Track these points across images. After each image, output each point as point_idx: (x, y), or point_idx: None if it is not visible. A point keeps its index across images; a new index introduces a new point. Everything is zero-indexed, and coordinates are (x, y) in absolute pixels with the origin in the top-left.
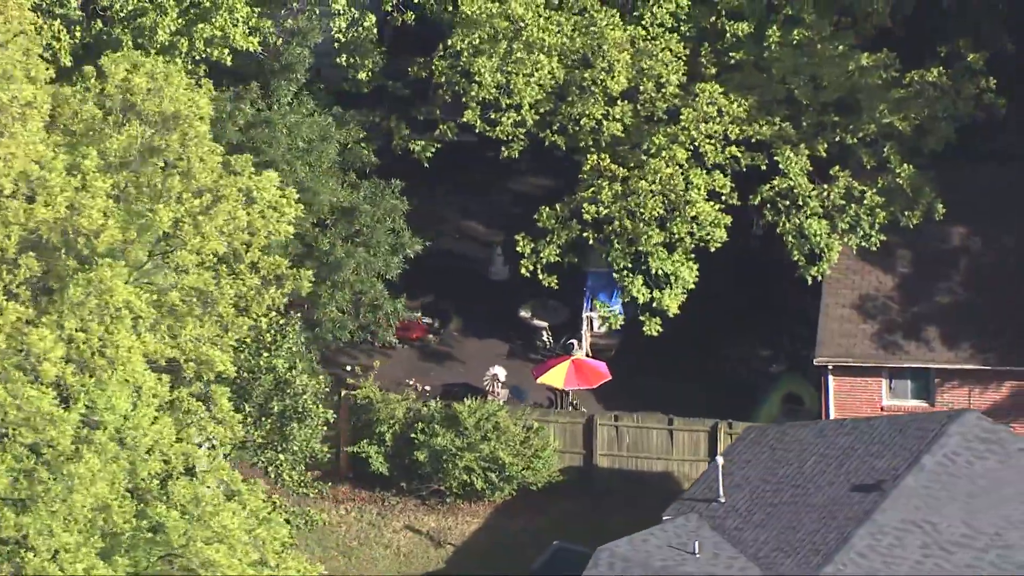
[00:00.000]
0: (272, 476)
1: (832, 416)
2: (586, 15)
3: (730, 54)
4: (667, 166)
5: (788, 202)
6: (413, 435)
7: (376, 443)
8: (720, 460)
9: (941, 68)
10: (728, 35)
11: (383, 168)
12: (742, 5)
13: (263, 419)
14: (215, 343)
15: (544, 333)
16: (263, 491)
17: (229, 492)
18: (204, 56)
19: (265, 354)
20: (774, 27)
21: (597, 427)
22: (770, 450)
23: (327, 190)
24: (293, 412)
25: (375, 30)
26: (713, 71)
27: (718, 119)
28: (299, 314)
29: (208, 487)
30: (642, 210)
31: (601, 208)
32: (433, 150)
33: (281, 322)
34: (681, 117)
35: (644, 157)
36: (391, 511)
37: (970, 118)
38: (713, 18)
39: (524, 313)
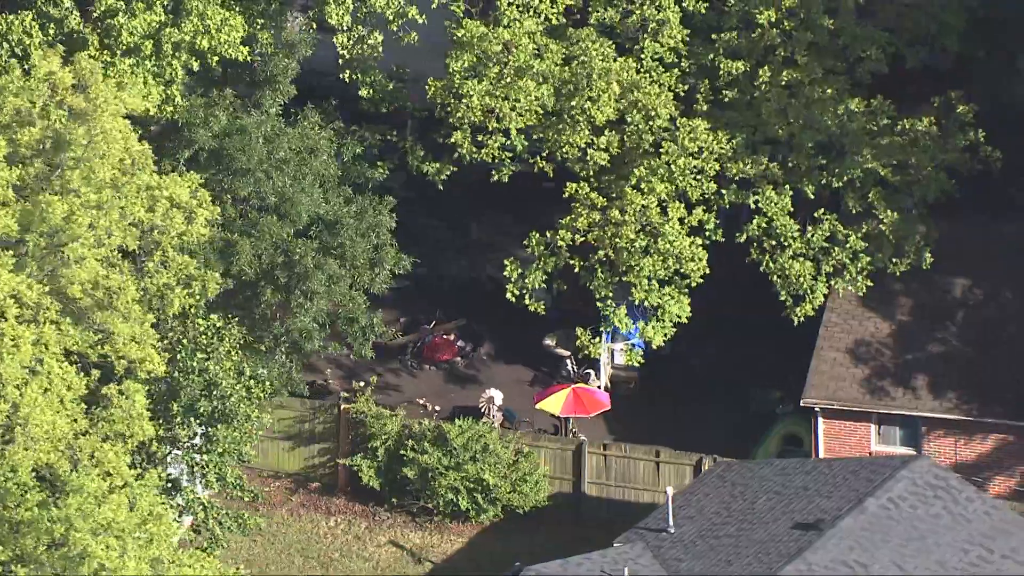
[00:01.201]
0: (199, 477)
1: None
2: (580, 44)
3: (724, 92)
4: (643, 198)
5: (774, 242)
6: (403, 452)
7: (369, 457)
8: (670, 491)
9: (931, 118)
10: (723, 72)
11: (451, 191)
12: (742, 44)
13: (191, 420)
14: (140, 342)
15: (568, 362)
16: (157, 484)
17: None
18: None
19: (200, 355)
20: (766, 67)
21: (586, 455)
22: (731, 485)
23: (307, 201)
24: (220, 415)
25: (380, 48)
26: (705, 107)
27: (699, 155)
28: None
29: (92, 478)
30: (617, 240)
31: (577, 236)
32: (448, 173)
33: (219, 325)
34: (662, 150)
35: (625, 188)
36: (379, 525)
37: (966, 169)
38: (712, 56)
39: (549, 341)
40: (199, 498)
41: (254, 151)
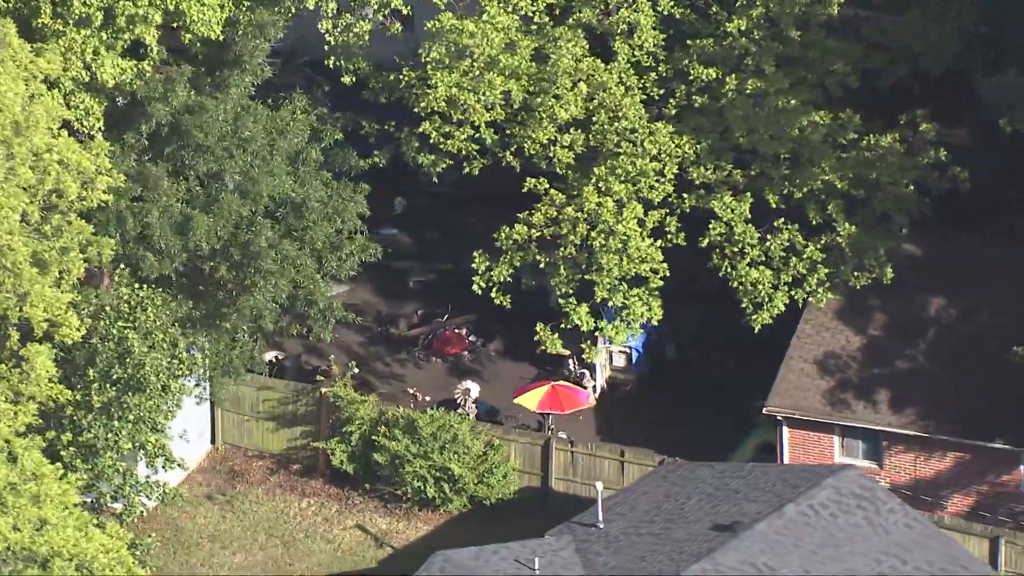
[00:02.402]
0: (109, 441)
1: None
2: (556, 42)
3: (695, 97)
4: (599, 197)
5: (735, 249)
6: (374, 437)
7: (344, 442)
8: (599, 486)
9: (895, 135)
10: (693, 78)
11: (502, 187)
12: (716, 51)
13: (106, 386)
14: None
15: (570, 362)
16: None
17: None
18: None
19: (120, 323)
20: (733, 75)
21: (553, 451)
22: (669, 485)
23: (269, 181)
24: (135, 382)
25: (367, 36)
26: (674, 112)
27: (659, 158)
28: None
29: None
30: (572, 237)
31: (533, 231)
32: (443, 165)
33: (142, 295)
34: (620, 151)
35: (584, 187)
36: (350, 509)
37: (935, 188)
38: (686, 61)
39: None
40: (115, 465)
41: (212, 128)
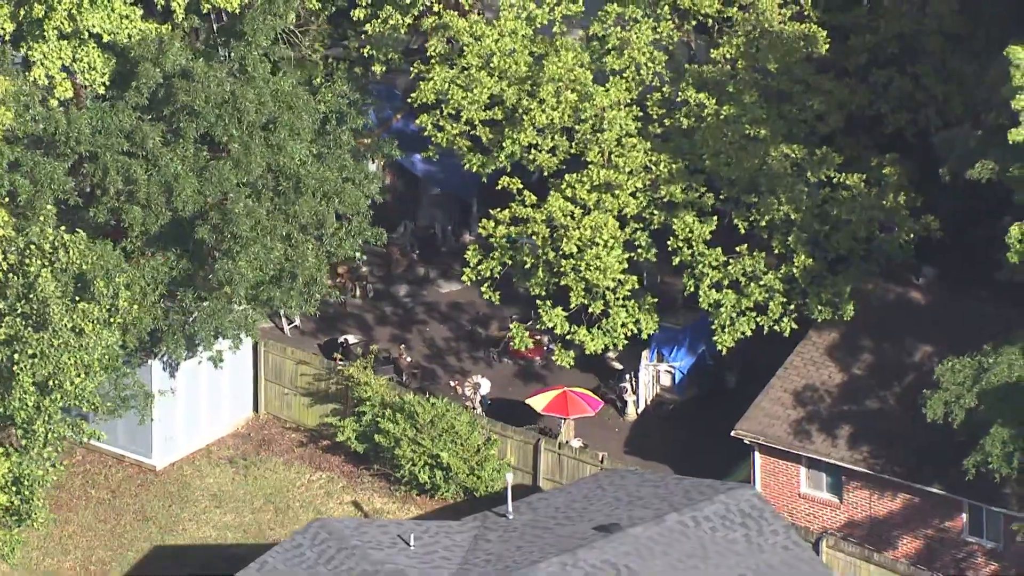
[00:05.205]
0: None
1: None
2: (560, 52)
3: (680, 118)
4: (562, 203)
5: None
6: (379, 419)
7: (356, 420)
8: (509, 477)
9: (862, 176)
10: (680, 99)
11: None
12: (711, 76)
13: (14, 319)
14: None
15: (627, 376)
16: None
17: None
18: None
19: (37, 262)
20: (712, 100)
21: (542, 451)
22: (594, 487)
23: (266, 153)
24: (38, 317)
25: (403, 29)
26: (659, 131)
27: (631, 171)
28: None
29: None
30: (535, 237)
31: (500, 228)
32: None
33: (65, 239)
34: (588, 160)
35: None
36: (355, 487)
37: (908, 230)
38: (683, 84)
39: (610, 353)
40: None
41: (201, 94)
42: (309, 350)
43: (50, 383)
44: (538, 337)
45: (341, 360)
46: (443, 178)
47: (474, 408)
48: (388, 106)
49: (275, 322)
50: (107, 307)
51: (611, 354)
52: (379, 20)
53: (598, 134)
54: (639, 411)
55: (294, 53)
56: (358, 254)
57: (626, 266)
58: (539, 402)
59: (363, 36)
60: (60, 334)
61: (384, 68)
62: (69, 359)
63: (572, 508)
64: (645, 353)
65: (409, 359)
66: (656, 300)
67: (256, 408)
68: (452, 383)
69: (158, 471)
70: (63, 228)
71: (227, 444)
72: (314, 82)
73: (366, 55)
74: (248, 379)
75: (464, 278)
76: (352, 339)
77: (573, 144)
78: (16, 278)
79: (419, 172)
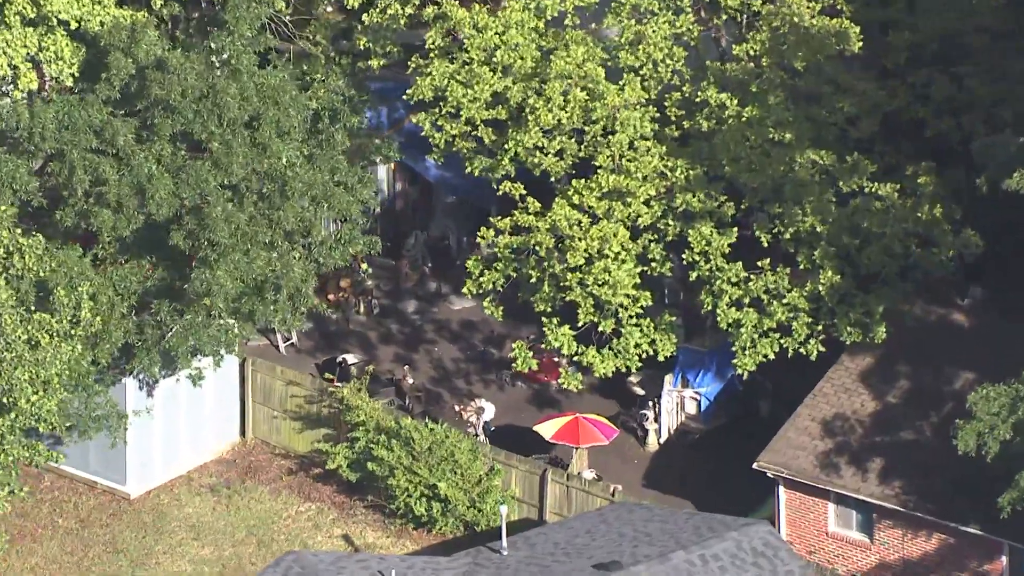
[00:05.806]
0: None
1: (783, 530)
2: (569, 47)
3: (701, 122)
4: (568, 211)
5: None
6: (372, 446)
7: (349, 446)
8: (503, 509)
9: (896, 185)
10: (699, 100)
11: None
12: (733, 75)
13: None
14: None
15: (651, 403)
16: None
17: None
18: None
19: None
20: (734, 101)
21: (549, 483)
22: (599, 521)
23: (248, 153)
24: None
25: (402, 20)
26: (677, 134)
27: (644, 178)
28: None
29: None
30: (538, 247)
31: (502, 237)
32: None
33: (21, 243)
34: (597, 165)
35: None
36: (347, 519)
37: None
38: (705, 83)
39: (632, 379)
40: None
41: (175, 86)
42: (305, 369)
43: (3, 400)
44: (555, 359)
45: (335, 381)
46: (458, 184)
47: (476, 434)
48: (400, 105)
49: (270, 339)
50: (68, 318)
51: (632, 378)
52: (377, 10)
53: (609, 136)
54: (661, 441)
55: (292, 46)
56: (364, 266)
57: (638, 281)
58: (548, 429)
59: (360, 26)
60: (13, 347)
61: (381, 62)
62: (23, 374)
63: (572, 544)
64: (668, 378)
65: (412, 380)
66: (675, 319)
67: (243, 432)
68: (457, 407)
69: (132, 499)
70: (19, 231)
71: (210, 471)
72: (309, 77)
73: (362, 47)
74: (234, 401)
75: (465, 290)
76: (351, 358)
77: (582, 147)
78: None
79: (432, 177)
